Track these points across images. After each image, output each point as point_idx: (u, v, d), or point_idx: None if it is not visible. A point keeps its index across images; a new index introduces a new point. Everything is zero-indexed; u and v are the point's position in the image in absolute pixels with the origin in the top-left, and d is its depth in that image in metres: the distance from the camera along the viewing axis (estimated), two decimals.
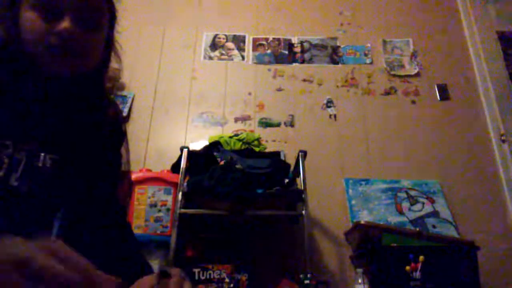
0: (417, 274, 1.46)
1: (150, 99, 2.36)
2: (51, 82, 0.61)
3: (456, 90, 2.43)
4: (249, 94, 2.39)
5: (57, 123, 0.62)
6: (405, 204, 2.04)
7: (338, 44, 2.57)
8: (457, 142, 2.27)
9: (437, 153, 2.23)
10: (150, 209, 1.77)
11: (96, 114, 0.67)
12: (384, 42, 2.58)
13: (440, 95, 2.42)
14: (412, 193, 2.09)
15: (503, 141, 2.26)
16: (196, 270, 1.56)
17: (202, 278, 1.53)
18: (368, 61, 2.52)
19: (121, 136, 0.75)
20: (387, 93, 2.42)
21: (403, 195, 2.08)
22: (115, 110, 0.75)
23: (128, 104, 2.28)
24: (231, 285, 1.51)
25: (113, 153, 0.73)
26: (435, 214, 2.01)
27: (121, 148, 0.73)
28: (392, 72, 2.48)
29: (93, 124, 0.66)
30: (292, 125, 2.30)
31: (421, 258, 1.48)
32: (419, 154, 2.23)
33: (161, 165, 1.99)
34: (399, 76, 2.47)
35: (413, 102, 2.39)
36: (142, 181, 1.81)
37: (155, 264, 1.62)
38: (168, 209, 1.77)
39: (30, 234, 0.57)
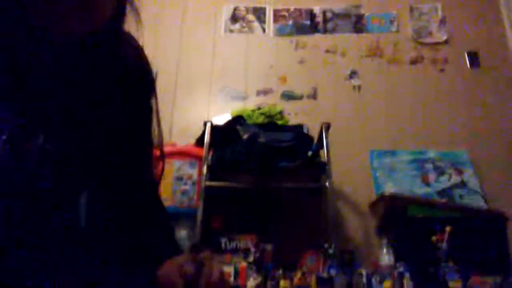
0: (444, 245, 1.45)
1: (173, 75, 2.37)
2: (63, 53, 0.52)
3: (488, 58, 2.32)
4: (271, 67, 2.36)
5: (76, 102, 0.56)
6: (432, 175, 2.01)
7: (362, 12, 2.48)
8: (487, 112, 2.19)
9: (466, 123, 2.16)
10: (177, 183, 1.82)
11: (118, 85, 0.59)
12: (411, 8, 2.47)
13: (470, 63, 2.32)
14: (439, 163, 2.04)
15: None
16: (223, 240, 1.61)
17: (229, 248, 1.58)
18: (393, 29, 2.43)
19: (149, 91, 0.67)
20: (414, 62, 2.33)
21: (430, 166, 2.04)
22: (141, 67, 0.66)
23: None
24: (257, 255, 1.55)
25: (142, 123, 0.66)
26: (462, 185, 1.97)
27: (151, 101, 0.66)
28: (419, 40, 2.38)
29: (116, 98, 0.59)
30: (315, 97, 2.27)
31: (448, 228, 1.46)
32: (447, 124, 2.17)
33: (186, 140, 2.02)
34: (427, 44, 2.38)
35: (441, 70, 2.31)
36: (168, 155, 1.85)
37: (183, 234, 1.68)
38: (194, 182, 1.81)
39: (58, 221, 0.57)
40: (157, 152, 0.69)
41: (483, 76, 2.28)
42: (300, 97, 2.27)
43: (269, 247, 1.60)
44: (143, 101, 0.66)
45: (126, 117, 0.62)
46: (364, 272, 1.51)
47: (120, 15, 0.57)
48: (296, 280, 1.48)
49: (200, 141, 1.91)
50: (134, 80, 0.63)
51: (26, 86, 0.53)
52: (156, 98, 0.67)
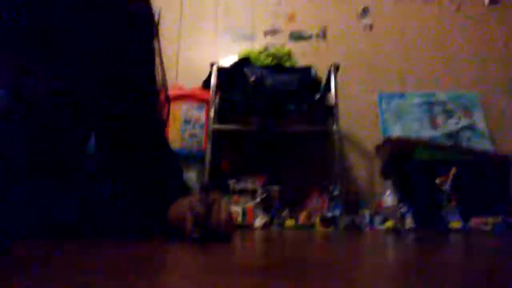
0: (447, 186, 1.47)
1: (177, 14, 2.28)
2: None
3: None
4: (279, 4, 2.25)
5: (76, 44, 0.53)
6: (440, 118, 1.99)
7: None
8: (501, 53, 2.10)
9: (479, 64, 2.09)
10: (185, 125, 1.83)
11: (117, 25, 0.56)
12: None
13: None
14: (449, 106, 2.01)
15: None
16: (231, 182, 1.66)
17: (237, 189, 1.63)
18: None
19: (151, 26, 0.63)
20: None
21: (439, 108, 2.01)
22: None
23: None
24: (264, 195, 1.61)
25: (145, 65, 0.64)
26: (471, 127, 1.95)
27: (154, 41, 0.64)
28: None
29: (116, 39, 0.56)
30: (324, 37, 2.19)
31: (453, 170, 1.48)
32: (459, 65, 2.10)
33: (192, 82, 2.00)
34: None
35: (457, 7, 2.18)
36: (175, 98, 1.84)
37: (192, 176, 1.73)
38: (202, 125, 1.83)
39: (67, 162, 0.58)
40: (162, 95, 0.68)
41: (502, 14, 2.16)
42: (309, 37, 2.19)
43: (276, 188, 1.65)
44: (144, 42, 0.63)
45: (128, 58, 0.60)
46: (367, 212, 1.57)
47: None
48: (301, 219, 1.55)
49: (206, 84, 1.88)
50: (134, 19, 0.60)
51: (34, 26, 0.50)
52: (158, 39, 0.64)
